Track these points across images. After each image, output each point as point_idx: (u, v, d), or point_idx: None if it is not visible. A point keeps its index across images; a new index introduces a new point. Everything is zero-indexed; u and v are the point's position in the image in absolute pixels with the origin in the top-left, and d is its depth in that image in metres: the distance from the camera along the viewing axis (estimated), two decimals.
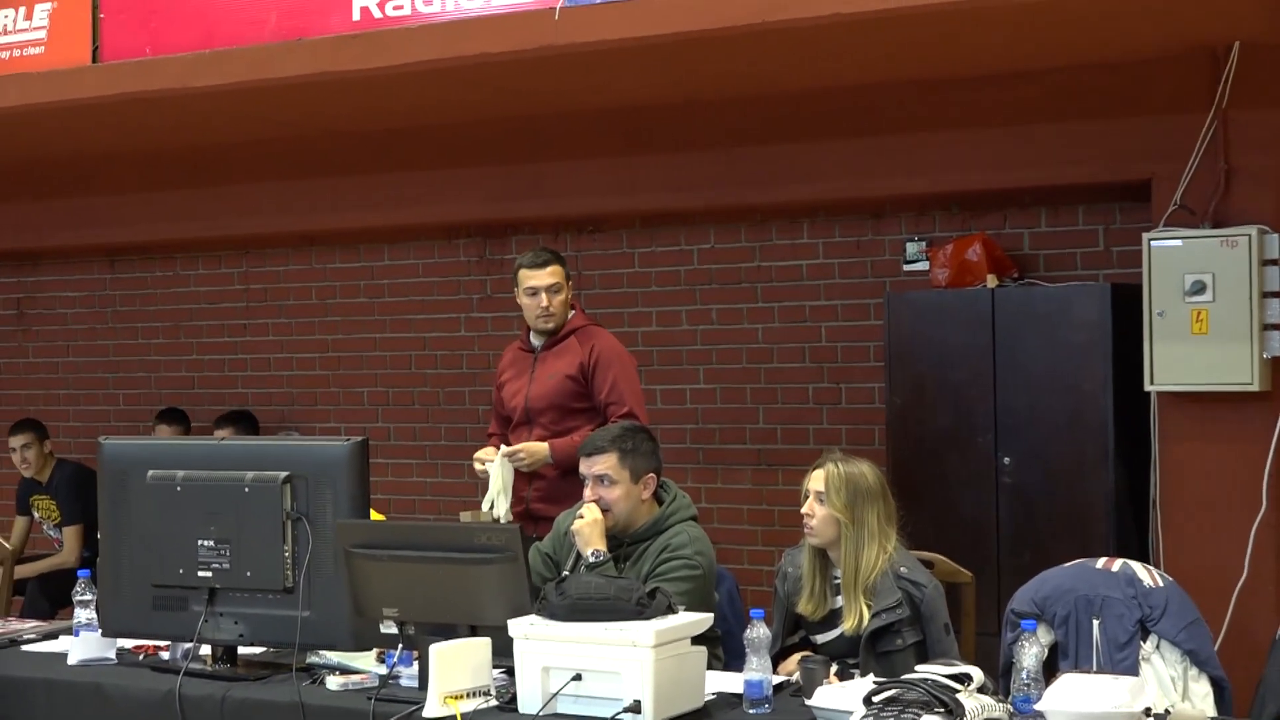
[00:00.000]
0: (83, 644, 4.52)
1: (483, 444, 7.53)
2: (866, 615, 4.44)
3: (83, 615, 4.54)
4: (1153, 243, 6.11)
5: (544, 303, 5.80)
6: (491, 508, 5.62)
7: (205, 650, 4.37)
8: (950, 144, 6.68)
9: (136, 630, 4.49)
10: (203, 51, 6.52)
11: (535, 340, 5.93)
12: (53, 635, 4.92)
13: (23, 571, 7.83)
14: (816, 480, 4.59)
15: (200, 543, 4.28)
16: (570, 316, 5.90)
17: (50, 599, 8.01)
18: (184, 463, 4.37)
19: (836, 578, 4.59)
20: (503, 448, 5.71)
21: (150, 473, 4.36)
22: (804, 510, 4.58)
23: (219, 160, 8.18)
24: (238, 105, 6.91)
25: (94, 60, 6.80)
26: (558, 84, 6.58)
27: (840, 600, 4.56)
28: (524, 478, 5.71)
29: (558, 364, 5.80)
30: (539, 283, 5.81)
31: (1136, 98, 6.27)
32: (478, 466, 5.77)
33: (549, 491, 5.66)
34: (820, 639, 4.60)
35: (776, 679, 4.04)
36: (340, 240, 8.64)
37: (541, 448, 5.68)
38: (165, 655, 4.51)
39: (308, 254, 8.82)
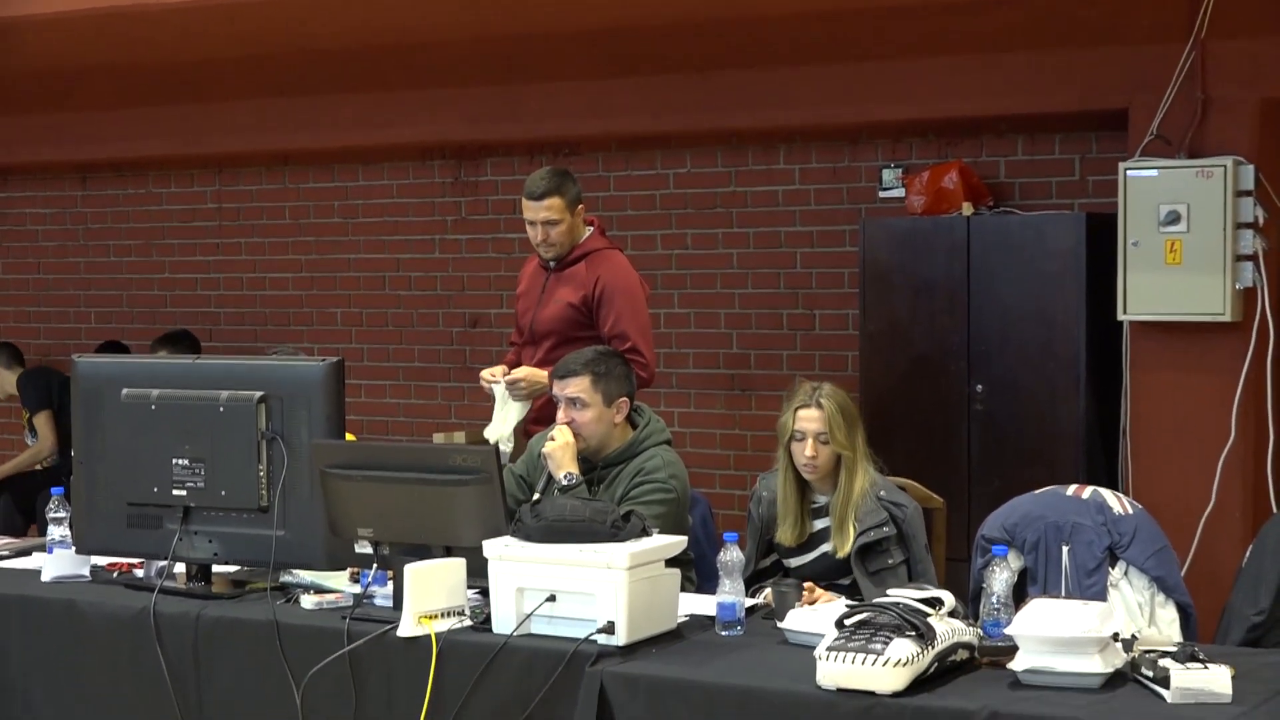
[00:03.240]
0: (56, 561, 4.51)
1: (457, 366, 7.50)
2: (853, 535, 4.48)
3: (56, 532, 4.53)
4: (1128, 172, 6.12)
5: (540, 235, 5.62)
6: (499, 441, 5.49)
7: (180, 568, 4.37)
8: (928, 71, 6.66)
9: (111, 548, 4.49)
10: None
11: (550, 260, 5.73)
12: (26, 552, 4.93)
13: (5, 470, 7.92)
14: (813, 421, 4.54)
15: (175, 461, 4.28)
16: (586, 236, 5.69)
17: (22, 512, 8.05)
18: (158, 381, 4.36)
19: (815, 503, 4.62)
20: (502, 378, 5.56)
21: (124, 391, 4.35)
22: (807, 454, 4.53)
23: (193, 77, 8.11)
24: (213, 21, 6.85)
25: None
26: (536, 3, 6.52)
27: (819, 524, 4.60)
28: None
29: (564, 290, 5.61)
30: (533, 216, 5.61)
31: (1115, 26, 6.25)
32: (484, 385, 5.63)
33: (541, 414, 5.50)
34: (795, 562, 4.63)
35: (749, 602, 4.08)
36: (314, 160, 8.59)
37: (542, 375, 5.46)
38: (139, 573, 4.53)
39: (281, 173, 8.77)
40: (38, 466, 8.25)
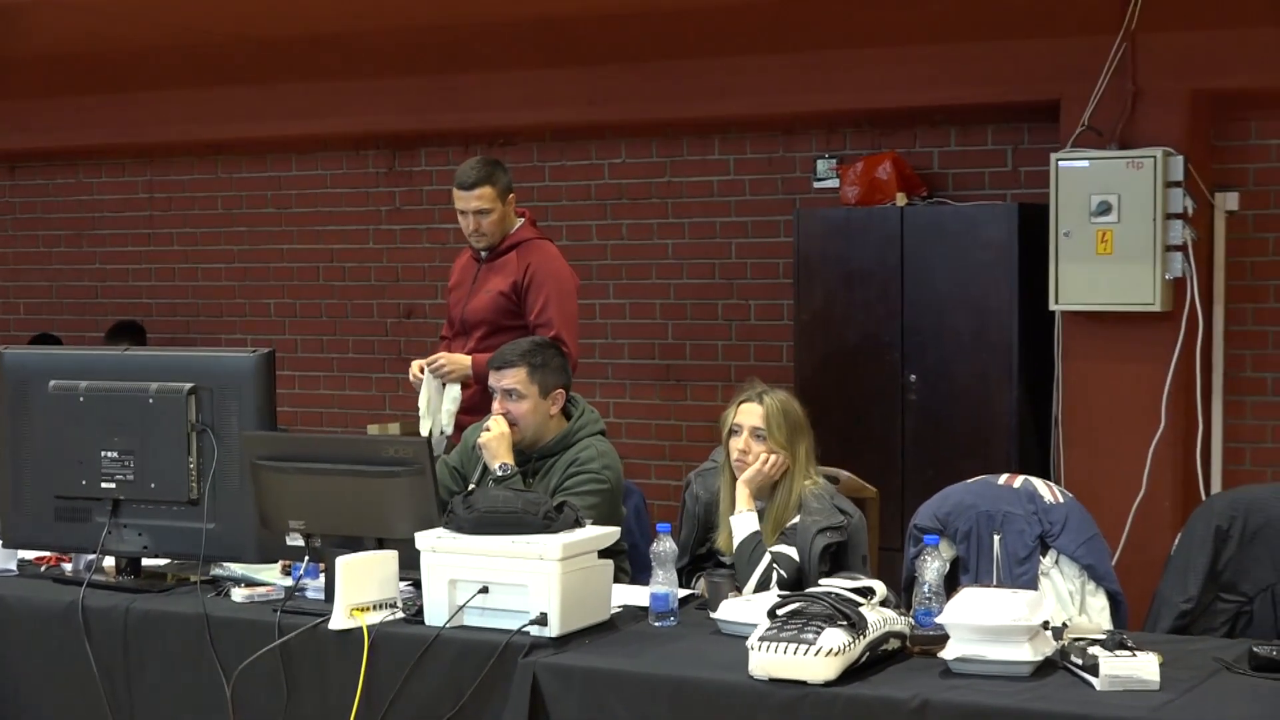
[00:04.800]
0: None
1: (391, 357, 7.46)
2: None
3: None
4: (1060, 163, 6.16)
5: (471, 225, 5.66)
6: (430, 426, 5.50)
7: (109, 562, 4.33)
8: (862, 62, 6.69)
9: (38, 541, 4.45)
10: None
11: (481, 251, 5.77)
12: None
13: None
14: (752, 415, 4.50)
15: (104, 454, 4.24)
16: (517, 227, 5.73)
17: None
18: (87, 373, 4.31)
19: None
20: (424, 366, 5.56)
21: (52, 383, 4.30)
22: (739, 447, 4.48)
23: (124, 66, 8.03)
24: (144, 8, 6.78)
25: None
26: None
27: None
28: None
29: (495, 279, 5.65)
30: (465, 206, 5.65)
31: (1047, 18, 6.30)
32: (412, 379, 5.63)
33: (472, 403, 5.52)
34: (730, 559, 4.61)
35: (682, 592, 4.07)
36: (247, 150, 8.53)
37: (463, 360, 5.54)
38: (68, 567, 4.48)
39: (213, 163, 8.71)
40: None
